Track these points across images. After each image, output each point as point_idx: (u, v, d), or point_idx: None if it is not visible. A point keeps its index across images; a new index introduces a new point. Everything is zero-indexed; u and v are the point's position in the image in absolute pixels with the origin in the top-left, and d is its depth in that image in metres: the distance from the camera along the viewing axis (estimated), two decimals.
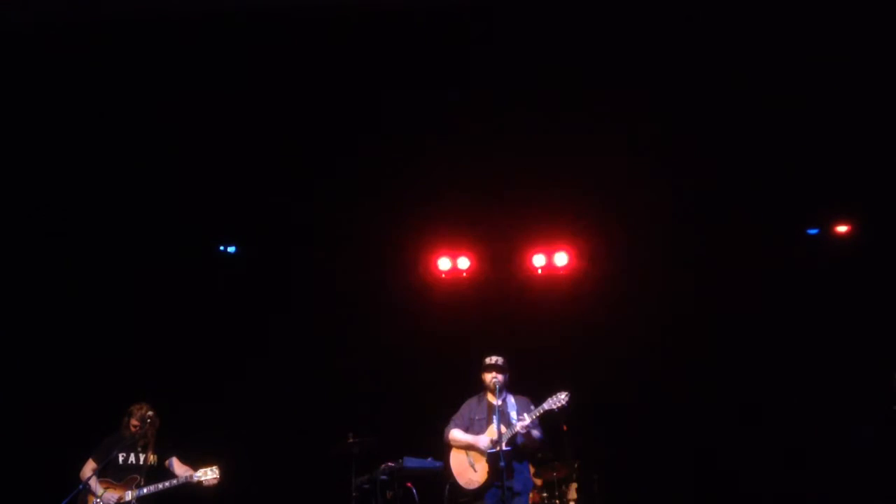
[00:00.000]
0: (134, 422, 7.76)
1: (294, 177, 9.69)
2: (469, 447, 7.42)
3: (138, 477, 7.62)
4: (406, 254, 10.63)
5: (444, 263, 10.62)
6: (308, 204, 10.02)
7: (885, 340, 9.27)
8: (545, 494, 8.74)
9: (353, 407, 9.51)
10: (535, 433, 7.29)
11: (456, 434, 7.49)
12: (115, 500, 7.56)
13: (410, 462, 8.30)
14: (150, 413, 7.75)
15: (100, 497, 7.57)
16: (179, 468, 7.81)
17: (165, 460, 7.87)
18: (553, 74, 8.79)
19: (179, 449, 7.95)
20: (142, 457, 7.76)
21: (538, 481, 8.62)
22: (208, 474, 7.62)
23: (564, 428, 8.54)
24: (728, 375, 9.27)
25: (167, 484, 7.65)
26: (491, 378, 7.42)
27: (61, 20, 8.10)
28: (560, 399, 7.13)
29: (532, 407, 7.28)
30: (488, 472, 7.23)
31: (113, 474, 7.69)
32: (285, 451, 9.77)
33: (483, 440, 7.33)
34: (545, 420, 7.33)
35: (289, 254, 10.46)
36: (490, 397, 7.48)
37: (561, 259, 10.55)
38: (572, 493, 8.87)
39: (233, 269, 10.52)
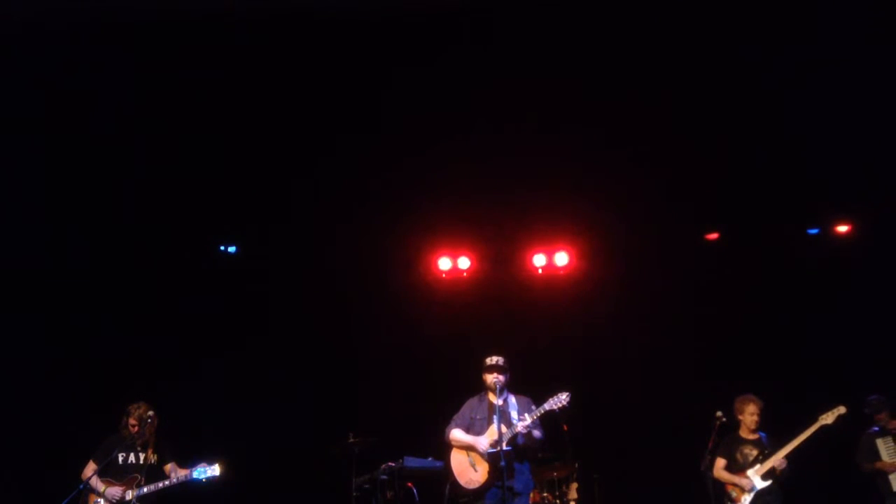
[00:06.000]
0: (132, 421, 7.75)
1: (294, 176, 9.69)
2: (470, 447, 7.39)
3: (139, 476, 7.61)
4: (406, 254, 10.63)
5: (444, 263, 10.63)
6: (308, 204, 10.01)
7: (886, 340, 9.29)
8: (545, 494, 8.74)
9: (353, 407, 9.50)
10: (536, 433, 7.27)
11: (456, 434, 7.47)
12: (118, 497, 7.55)
13: (410, 462, 8.30)
14: (148, 413, 7.74)
15: (102, 493, 7.57)
16: (179, 472, 7.80)
17: (165, 465, 7.86)
18: (553, 74, 8.80)
19: (178, 454, 7.94)
20: (141, 456, 7.75)
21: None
22: (209, 471, 7.61)
23: (565, 428, 8.53)
24: (728, 375, 9.25)
25: (168, 483, 7.65)
26: (492, 378, 7.40)
27: (60, 19, 8.11)
28: (561, 399, 7.11)
29: (533, 407, 7.27)
30: (489, 472, 7.20)
31: (114, 474, 7.69)
32: (285, 450, 9.76)
33: (483, 440, 7.31)
34: (546, 420, 7.31)
35: (289, 253, 10.45)
36: (491, 397, 7.46)
37: (561, 259, 10.56)
38: (572, 493, 8.86)
39: (233, 268, 10.51)
